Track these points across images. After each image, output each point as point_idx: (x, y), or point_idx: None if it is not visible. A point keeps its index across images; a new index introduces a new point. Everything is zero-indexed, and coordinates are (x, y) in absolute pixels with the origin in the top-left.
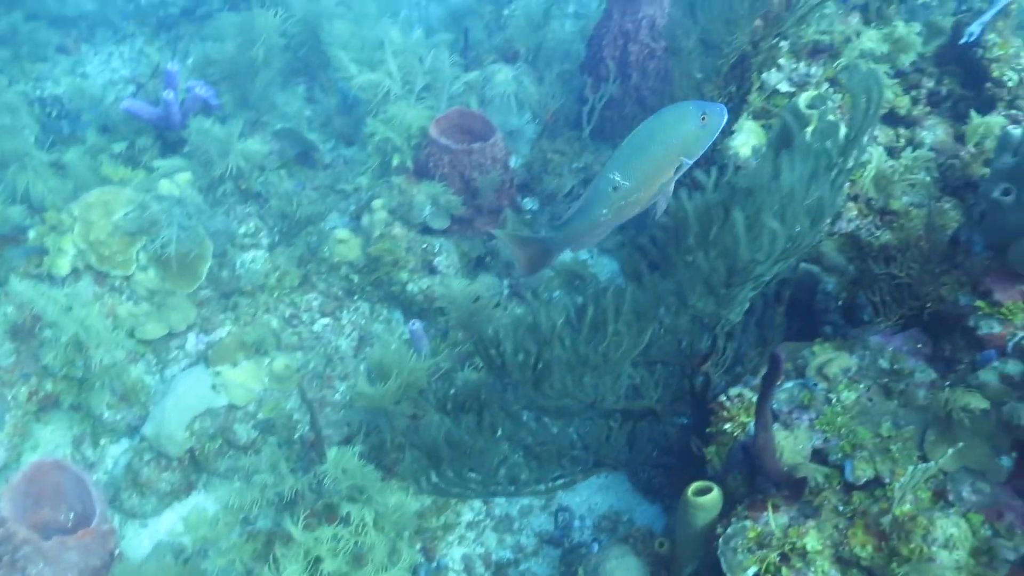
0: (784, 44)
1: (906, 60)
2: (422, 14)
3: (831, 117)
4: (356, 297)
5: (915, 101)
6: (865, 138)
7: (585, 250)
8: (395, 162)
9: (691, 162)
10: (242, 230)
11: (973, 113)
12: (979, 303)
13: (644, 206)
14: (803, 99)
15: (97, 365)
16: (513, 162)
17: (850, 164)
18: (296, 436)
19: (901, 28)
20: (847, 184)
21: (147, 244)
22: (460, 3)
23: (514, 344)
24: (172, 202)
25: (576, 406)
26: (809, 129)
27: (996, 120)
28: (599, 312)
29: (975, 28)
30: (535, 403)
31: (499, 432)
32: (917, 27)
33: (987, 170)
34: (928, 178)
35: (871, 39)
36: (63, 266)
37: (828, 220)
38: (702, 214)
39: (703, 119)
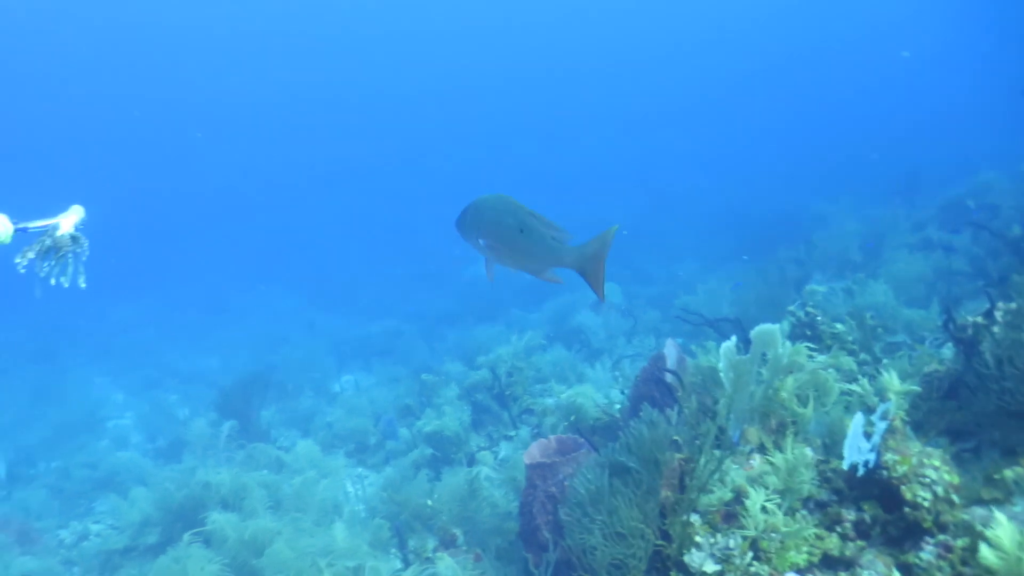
0: (696, 518)
1: (805, 486)
2: (359, 491)
3: None
4: None
5: (844, 537)
6: None
7: None
8: None
9: None
10: None
11: None
12: None
13: None
14: None
15: None
16: None
17: None
18: None
19: (784, 458)
20: None
21: None
22: (395, 473)
23: None
24: None
25: None
26: None
27: None
28: None
29: (859, 455)
30: None
31: None
32: (808, 451)
33: None
34: None
35: (763, 492)
36: None
37: None
38: None
39: None
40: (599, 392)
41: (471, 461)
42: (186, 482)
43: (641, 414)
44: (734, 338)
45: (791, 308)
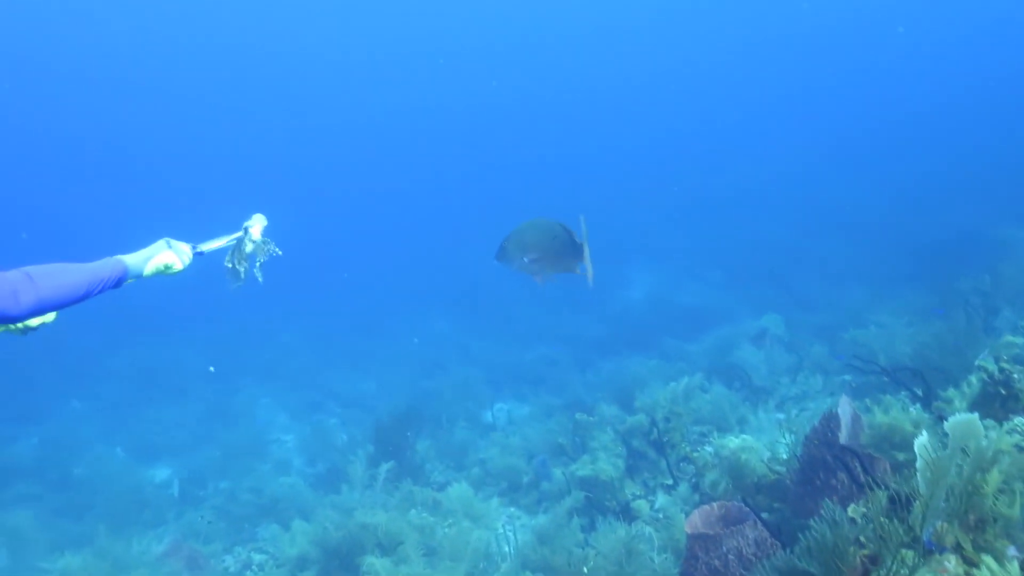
0: None
1: None
2: (511, 533)
3: None
4: None
5: None
6: None
7: None
8: None
9: None
10: None
11: None
12: None
13: None
14: None
15: None
16: None
17: None
18: None
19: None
20: None
21: None
22: (549, 524)
23: None
24: None
25: None
26: None
27: None
28: None
29: None
30: None
31: None
32: (1013, 555)
33: None
34: None
35: None
36: None
37: None
38: None
39: None
40: (763, 439)
41: (626, 509)
42: (344, 523)
43: (823, 511)
44: (926, 434)
45: (981, 361)
